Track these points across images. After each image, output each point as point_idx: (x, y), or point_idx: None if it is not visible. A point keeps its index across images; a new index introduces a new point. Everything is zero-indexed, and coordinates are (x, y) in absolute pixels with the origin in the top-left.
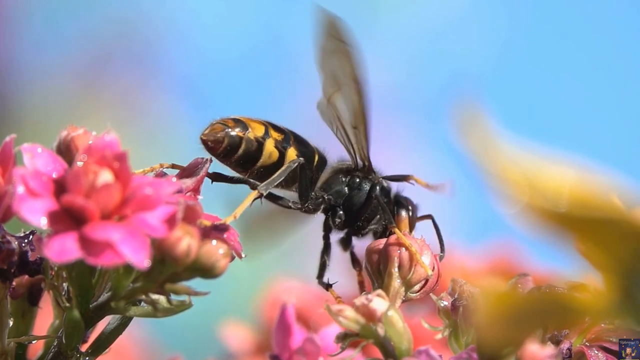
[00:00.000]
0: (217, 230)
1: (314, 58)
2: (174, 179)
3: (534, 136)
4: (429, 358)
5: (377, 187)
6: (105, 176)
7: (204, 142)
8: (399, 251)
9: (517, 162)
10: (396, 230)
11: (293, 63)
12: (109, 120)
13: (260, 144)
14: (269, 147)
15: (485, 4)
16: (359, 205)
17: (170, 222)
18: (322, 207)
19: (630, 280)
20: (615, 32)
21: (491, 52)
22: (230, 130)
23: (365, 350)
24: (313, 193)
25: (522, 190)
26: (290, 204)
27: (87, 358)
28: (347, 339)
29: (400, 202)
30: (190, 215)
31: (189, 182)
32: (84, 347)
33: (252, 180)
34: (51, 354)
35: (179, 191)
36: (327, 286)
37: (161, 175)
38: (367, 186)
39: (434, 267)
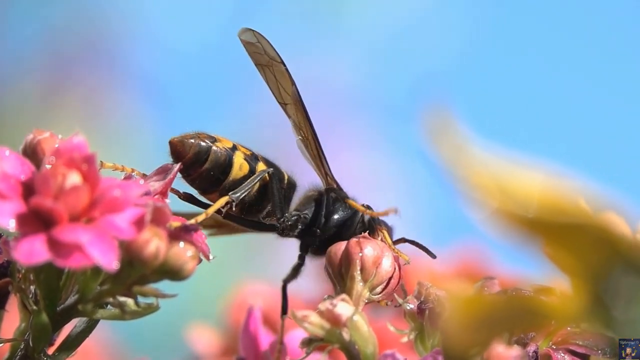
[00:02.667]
0: (185, 233)
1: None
2: (142, 182)
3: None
4: None
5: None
6: (74, 178)
7: (173, 147)
8: (360, 254)
9: (487, 166)
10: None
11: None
12: (73, 120)
13: (229, 155)
14: (239, 159)
15: (448, 3)
16: (336, 225)
17: (139, 224)
18: (298, 226)
19: (599, 285)
20: (581, 27)
21: (454, 51)
22: (199, 138)
23: (332, 355)
24: (287, 213)
25: (491, 195)
26: (264, 226)
27: None
28: (312, 344)
29: (377, 222)
30: (159, 218)
31: (157, 185)
32: (51, 350)
33: (222, 209)
34: (18, 357)
35: (147, 193)
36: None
37: (129, 177)
38: (342, 207)
39: (395, 268)
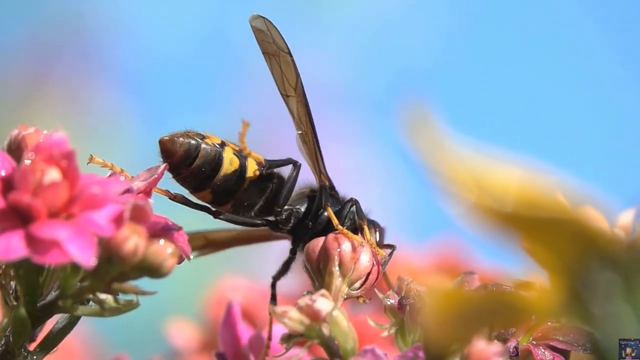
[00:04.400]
0: (165, 230)
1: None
2: (123, 179)
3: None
4: (374, 357)
5: (350, 205)
6: (53, 174)
7: (163, 146)
8: (338, 249)
9: (464, 161)
10: (337, 224)
11: (238, 57)
12: (54, 115)
13: (219, 151)
14: (228, 154)
15: None
16: (327, 220)
17: (118, 221)
18: (292, 220)
19: (577, 280)
20: (561, 23)
21: (436, 46)
22: (189, 136)
23: (311, 350)
24: (281, 207)
25: (469, 190)
26: (257, 220)
27: (34, 357)
28: (291, 339)
29: (361, 217)
30: (139, 215)
31: (139, 183)
32: (31, 346)
33: (213, 208)
34: None
35: (128, 191)
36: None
37: (111, 174)
38: (333, 203)
39: (373, 264)
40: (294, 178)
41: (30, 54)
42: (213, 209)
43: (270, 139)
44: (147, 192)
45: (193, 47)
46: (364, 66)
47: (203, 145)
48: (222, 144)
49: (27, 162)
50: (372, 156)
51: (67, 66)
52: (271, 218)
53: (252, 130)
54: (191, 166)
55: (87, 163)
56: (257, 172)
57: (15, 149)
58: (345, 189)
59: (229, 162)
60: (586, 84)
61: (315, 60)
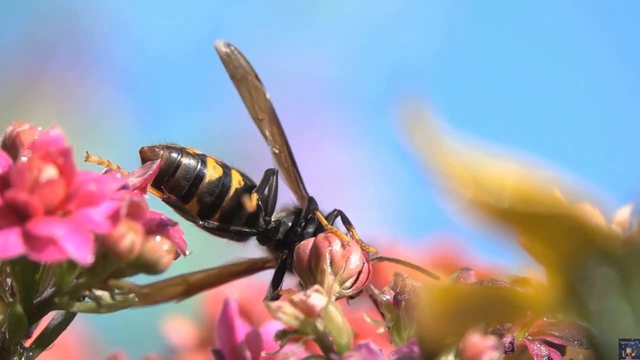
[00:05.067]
0: (161, 227)
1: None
2: (119, 175)
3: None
4: (368, 352)
5: (335, 215)
6: (50, 172)
7: (144, 155)
8: (329, 248)
9: (461, 158)
10: (327, 224)
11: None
12: (50, 113)
13: (202, 160)
14: (211, 162)
15: None
16: (314, 231)
17: (114, 218)
18: (280, 229)
19: (573, 276)
20: (556, 21)
21: (432, 43)
22: (169, 148)
23: (307, 347)
24: (269, 218)
25: (466, 186)
26: (245, 229)
27: (30, 353)
28: (286, 336)
29: (347, 222)
30: (135, 212)
31: (135, 180)
32: (27, 343)
33: (200, 221)
34: None
35: (124, 187)
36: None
37: (107, 171)
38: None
39: (364, 263)
40: (276, 185)
41: (25, 53)
42: (201, 220)
43: (260, 138)
44: (142, 189)
45: (189, 45)
46: (360, 64)
47: (184, 156)
48: (203, 155)
49: (23, 159)
50: (368, 154)
51: (62, 64)
52: (260, 229)
53: (246, 130)
54: (174, 176)
55: (85, 160)
56: (242, 182)
57: (10, 146)
58: (341, 187)
59: (212, 170)
60: (583, 79)
61: (312, 58)
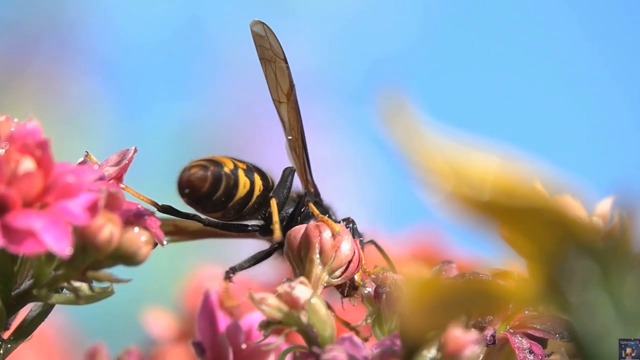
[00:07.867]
0: (139, 218)
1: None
2: (96, 167)
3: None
4: (352, 345)
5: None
6: (27, 164)
7: (188, 185)
8: (319, 237)
9: (441, 150)
10: (319, 214)
11: (213, 45)
12: (30, 104)
13: (236, 176)
14: (242, 177)
15: None
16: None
17: (92, 209)
18: (282, 223)
19: (555, 268)
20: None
21: (412, 34)
22: (209, 168)
23: (289, 338)
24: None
25: (446, 178)
26: (247, 227)
27: (9, 345)
28: (269, 326)
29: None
30: (113, 203)
31: (110, 169)
32: (6, 334)
33: (203, 217)
34: None
35: (101, 179)
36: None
37: (84, 163)
38: (320, 209)
39: (354, 252)
40: (290, 185)
41: (6, 43)
42: (203, 217)
43: (245, 125)
44: (118, 178)
45: (169, 35)
46: (339, 54)
47: (225, 174)
48: (235, 167)
49: (0, 151)
50: (348, 145)
51: (43, 55)
52: (260, 223)
53: (227, 118)
54: (213, 196)
55: (84, 158)
56: (262, 188)
57: None
58: (321, 177)
59: (243, 185)
60: (565, 70)
61: (291, 48)
